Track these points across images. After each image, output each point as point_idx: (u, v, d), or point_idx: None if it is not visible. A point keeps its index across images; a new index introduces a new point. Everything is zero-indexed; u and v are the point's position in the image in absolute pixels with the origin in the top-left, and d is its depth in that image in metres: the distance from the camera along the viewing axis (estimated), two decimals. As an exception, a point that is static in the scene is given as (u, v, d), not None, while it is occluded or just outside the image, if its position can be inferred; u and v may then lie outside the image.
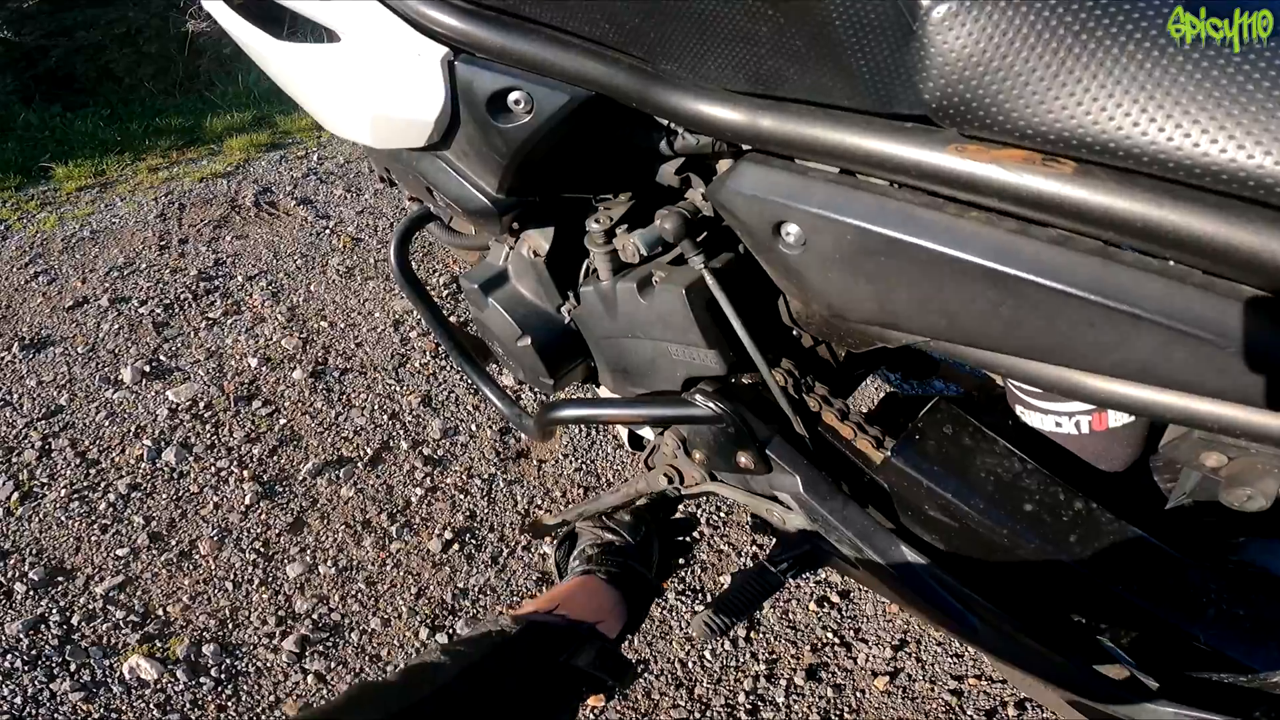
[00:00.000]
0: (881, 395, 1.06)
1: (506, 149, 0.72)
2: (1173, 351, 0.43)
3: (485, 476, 1.66)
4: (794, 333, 0.79)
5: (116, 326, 2.10)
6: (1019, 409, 0.71)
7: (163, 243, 2.49)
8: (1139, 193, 0.42)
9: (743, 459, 0.78)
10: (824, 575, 1.48)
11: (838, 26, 0.50)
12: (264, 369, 1.93)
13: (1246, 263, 0.40)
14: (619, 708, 1.30)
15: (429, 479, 1.66)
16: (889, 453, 0.69)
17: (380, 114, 0.83)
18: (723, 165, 0.73)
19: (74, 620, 1.40)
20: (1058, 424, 0.68)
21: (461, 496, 1.63)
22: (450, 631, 1.39)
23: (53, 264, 2.39)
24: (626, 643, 1.15)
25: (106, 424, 1.79)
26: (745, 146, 0.64)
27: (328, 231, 2.52)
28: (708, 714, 1.29)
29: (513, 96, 0.70)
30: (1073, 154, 0.43)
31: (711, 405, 0.73)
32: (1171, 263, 0.43)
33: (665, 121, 0.70)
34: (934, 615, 0.80)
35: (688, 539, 0.98)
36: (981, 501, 0.66)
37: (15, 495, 1.61)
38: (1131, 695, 0.73)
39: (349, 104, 0.86)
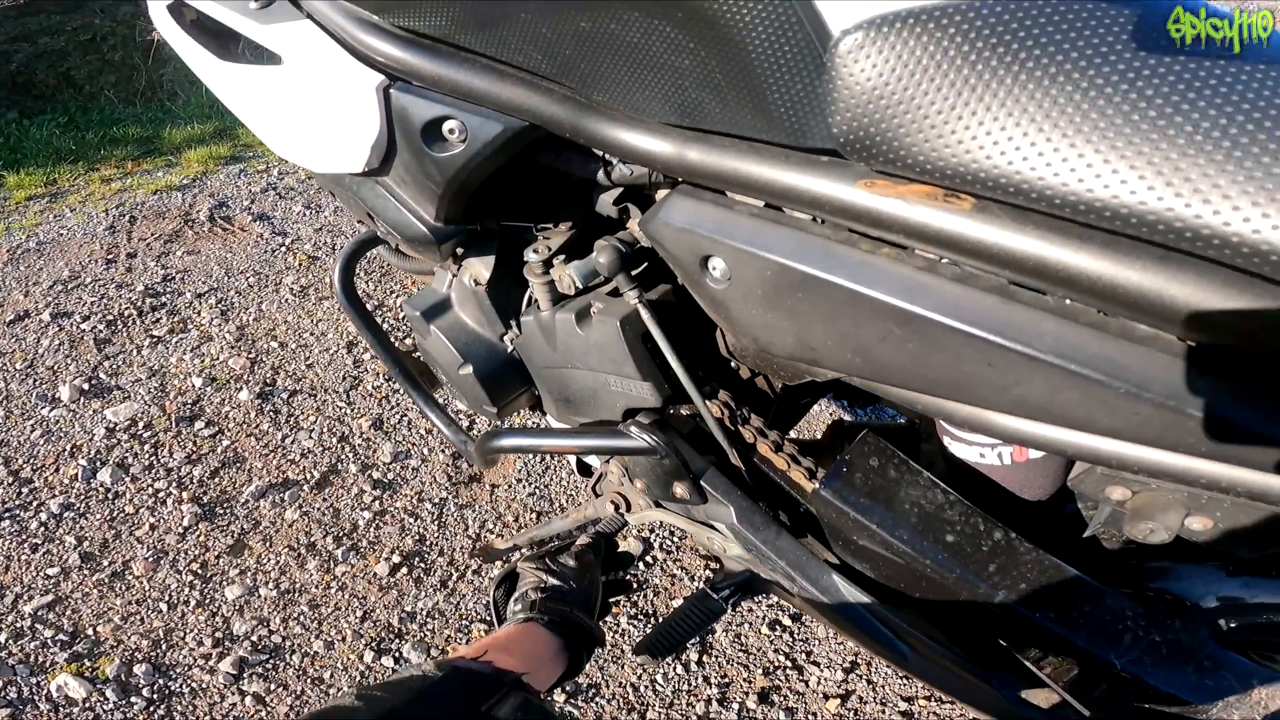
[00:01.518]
0: (831, 419, 1.08)
1: (442, 177, 0.74)
2: (1068, 391, 0.46)
3: (436, 501, 1.65)
4: (732, 364, 0.81)
5: (57, 343, 2.05)
6: (946, 440, 0.73)
7: (110, 256, 2.44)
8: (1032, 230, 0.44)
9: (679, 490, 0.79)
10: (775, 600, 1.50)
11: (754, 59, 0.52)
12: (209, 389, 1.90)
13: (1135, 301, 0.42)
14: (570, 735, 1.29)
15: (378, 502, 1.64)
16: (817, 485, 0.70)
17: (319, 139, 0.84)
18: (660, 195, 0.75)
19: (1, 639, 1.36)
20: (981, 455, 0.70)
21: (411, 520, 1.61)
22: (397, 654, 1.38)
23: (-6, 276, 2.34)
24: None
25: (41, 443, 1.75)
26: (678, 179, 0.66)
27: (283, 249, 2.50)
28: (658, 741, 1.30)
29: (447, 125, 0.72)
30: (971, 190, 0.45)
31: (646, 437, 0.74)
32: (1067, 301, 0.46)
33: (601, 152, 0.72)
34: (866, 642, 0.82)
35: (629, 577, 0.99)
36: (905, 532, 0.68)
37: None
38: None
39: (290, 127, 0.87)
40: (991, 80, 0.43)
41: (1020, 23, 0.43)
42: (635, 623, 1.44)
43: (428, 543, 1.57)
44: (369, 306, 1.94)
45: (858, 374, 0.58)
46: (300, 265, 2.42)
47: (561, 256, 0.76)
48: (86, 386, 1.89)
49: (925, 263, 0.50)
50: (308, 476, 1.68)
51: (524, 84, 0.69)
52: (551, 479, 1.69)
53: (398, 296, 2.28)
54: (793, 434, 1.40)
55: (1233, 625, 0.71)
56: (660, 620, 1.03)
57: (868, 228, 0.51)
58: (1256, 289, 0.38)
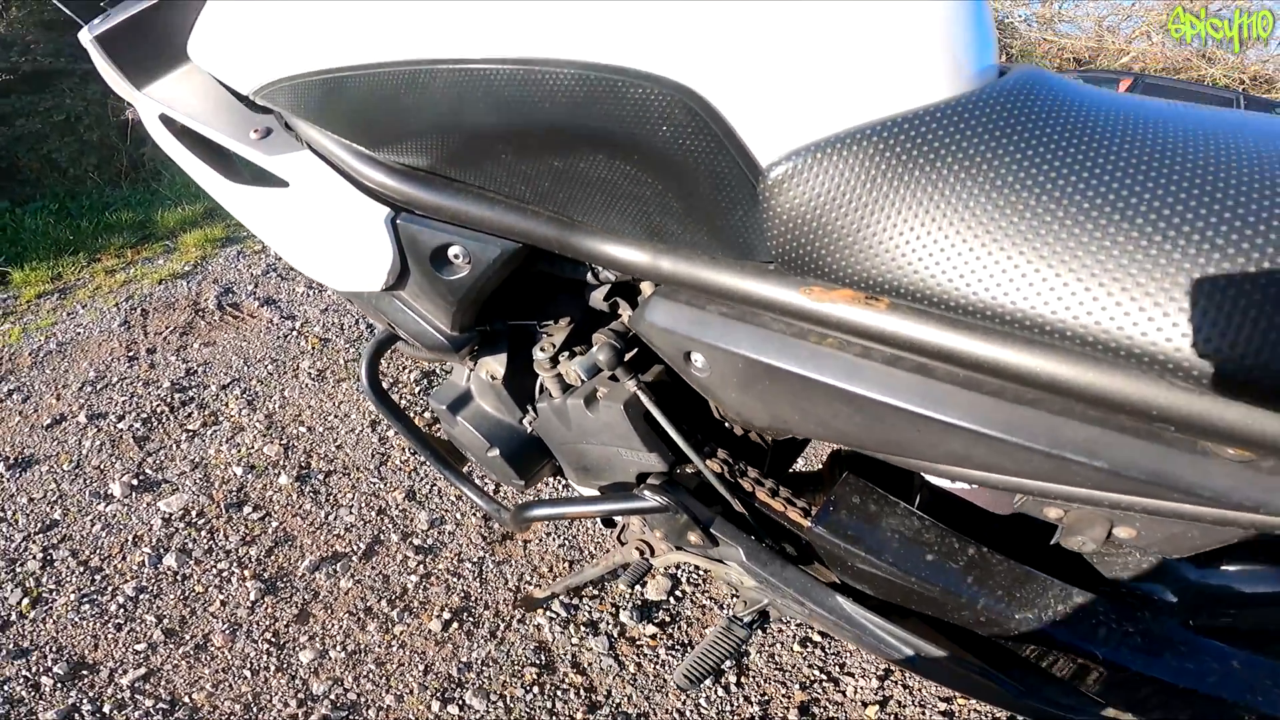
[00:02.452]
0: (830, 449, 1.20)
1: (453, 296, 0.86)
2: (979, 446, 0.58)
3: (475, 560, 1.78)
4: (725, 424, 0.93)
5: (98, 443, 2.21)
6: (922, 471, 0.85)
7: (131, 354, 2.60)
8: (935, 324, 0.56)
9: (693, 537, 0.91)
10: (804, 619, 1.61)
11: (701, 192, 0.64)
12: (250, 476, 2.05)
13: (1017, 375, 0.54)
14: (624, 767, 1.41)
15: (422, 566, 1.78)
16: (810, 523, 0.82)
17: (335, 262, 0.93)
18: (645, 287, 0.87)
19: (106, 709, 1.50)
20: (952, 480, 0.82)
21: (455, 579, 1.75)
22: (460, 702, 1.50)
23: (24, 380, 2.49)
24: (626, 696, 1.26)
25: (103, 535, 1.90)
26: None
27: (295, 333, 2.65)
28: (709, 762, 1.41)
29: (452, 250, 0.84)
30: (884, 294, 0.57)
31: (658, 498, 0.86)
32: (967, 374, 0.58)
33: (587, 260, 0.84)
34: (878, 651, 0.93)
35: None
36: (890, 556, 0.79)
37: (25, 601, 1.72)
38: (1075, 707, 0.84)
39: (304, 249, 0.96)
40: (895, 200, 0.55)
41: (917, 146, 0.55)
42: (673, 653, 1.56)
43: (473, 598, 1.70)
44: (385, 384, 2.08)
45: (824, 439, 0.70)
46: (313, 349, 2.57)
47: (566, 353, 0.89)
48: (135, 482, 2.04)
49: (861, 350, 0.62)
50: (355, 548, 1.82)
51: (513, 210, 0.80)
52: (578, 530, 1.82)
53: (410, 371, 2.42)
54: (800, 461, 1.52)
55: (1196, 613, 0.81)
56: (692, 650, 1.15)
57: (811, 325, 0.64)
58: (1101, 366, 0.50)
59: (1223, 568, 0.82)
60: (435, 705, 1.51)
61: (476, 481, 1.26)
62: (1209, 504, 0.53)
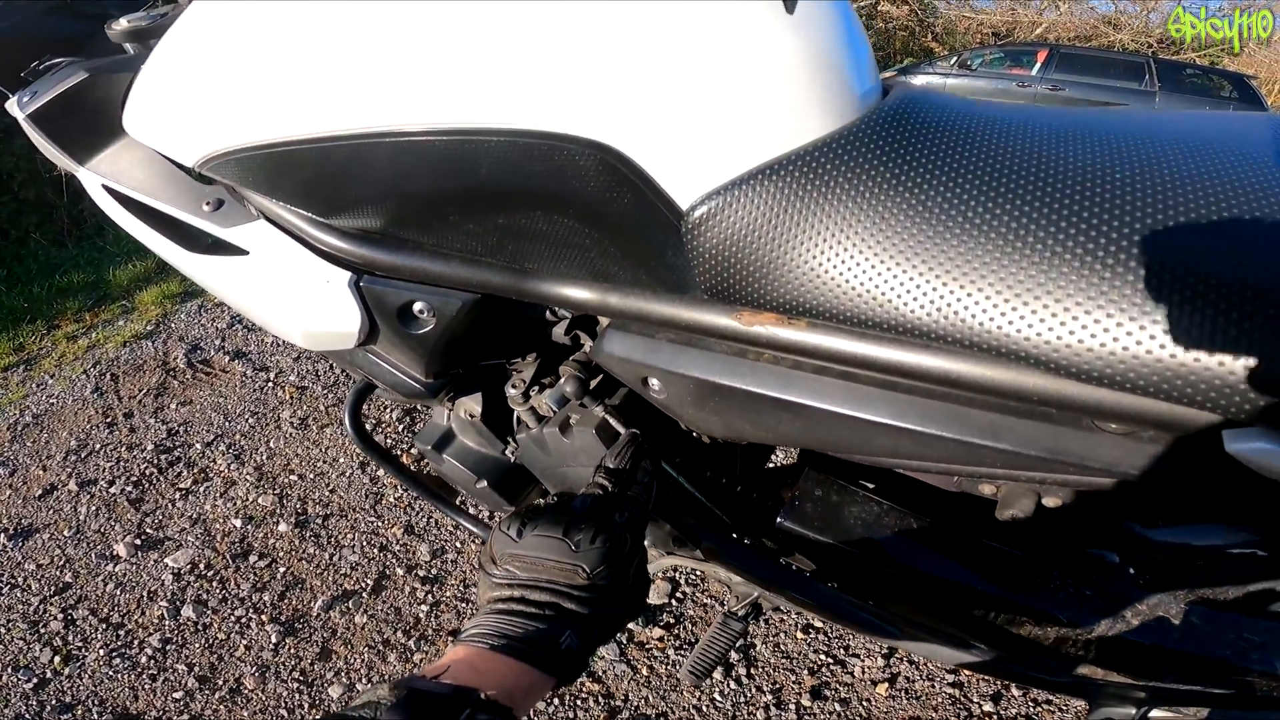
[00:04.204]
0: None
1: (423, 349, 0.94)
2: (904, 439, 0.67)
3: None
4: (694, 434, 1.03)
5: (94, 508, 2.29)
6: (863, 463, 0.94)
7: (109, 419, 2.67)
8: (847, 337, 0.66)
9: (678, 543, 1.01)
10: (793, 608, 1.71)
11: (634, 237, 0.73)
12: (250, 527, 2.14)
13: (922, 375, 0.64)
14: (646, 768, 1.51)
15: (430, 595, 1.88)
16: (779, 518, 0.92)
17: (306, 328, 0.97)
18: (601, 319, 0.96)
19: None
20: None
21: (464, 605, 1.84)
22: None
23: (7, 454, 2.56)
24: (643, 698, 1.35)
25: (118, 593, 1.99)
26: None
27: (271, 384, 2.73)
28: (728, 754, 1.51)
29: (416, 306, 0.90)
30: (802, 315, 0.67)
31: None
32: (884, 378, 0.67)
33: (543, 302, 0.93)
34: (862, 630, 1.03)
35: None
36: (856, 541, 0.89)
37: (57, 659, 1.82)
38: (1058, 672, 0.92)
39: (272, 315, 0.99)
40: (797, 230, 0.64)
41: (810, 180, 0.64)
42: (682, 653, 1.66)
43: (483, 623, 1.80)
44: (369, 426, 2.17)
45: (775, 444, 0.79)
46: (291, 398, 2.65)
47: (536, 388, 0.98)
48: (139, 542, 2.13)
49: (792, 363, 0.71)
50: (363, 585, 1.92)
51: (468, 263, 0.86)
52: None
53: (392, 410, 2.50)
54: (778, 455, 1.62)
55: (1144, 570, 0.90)
56: (695, 647, 1.24)
57: (747, 345, 0.73)
58: (986, 361, 0.60)
59: (1168, 525, 0.89)
60: (459, 730, 1.60)
61: (470, 511, 1.35)
62: (1101, 474, 0.63)
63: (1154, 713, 0.92)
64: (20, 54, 1.09)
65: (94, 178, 1.02)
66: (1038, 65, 8.66)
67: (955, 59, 9.89)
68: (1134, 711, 0.92)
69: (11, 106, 1.05)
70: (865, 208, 0.62)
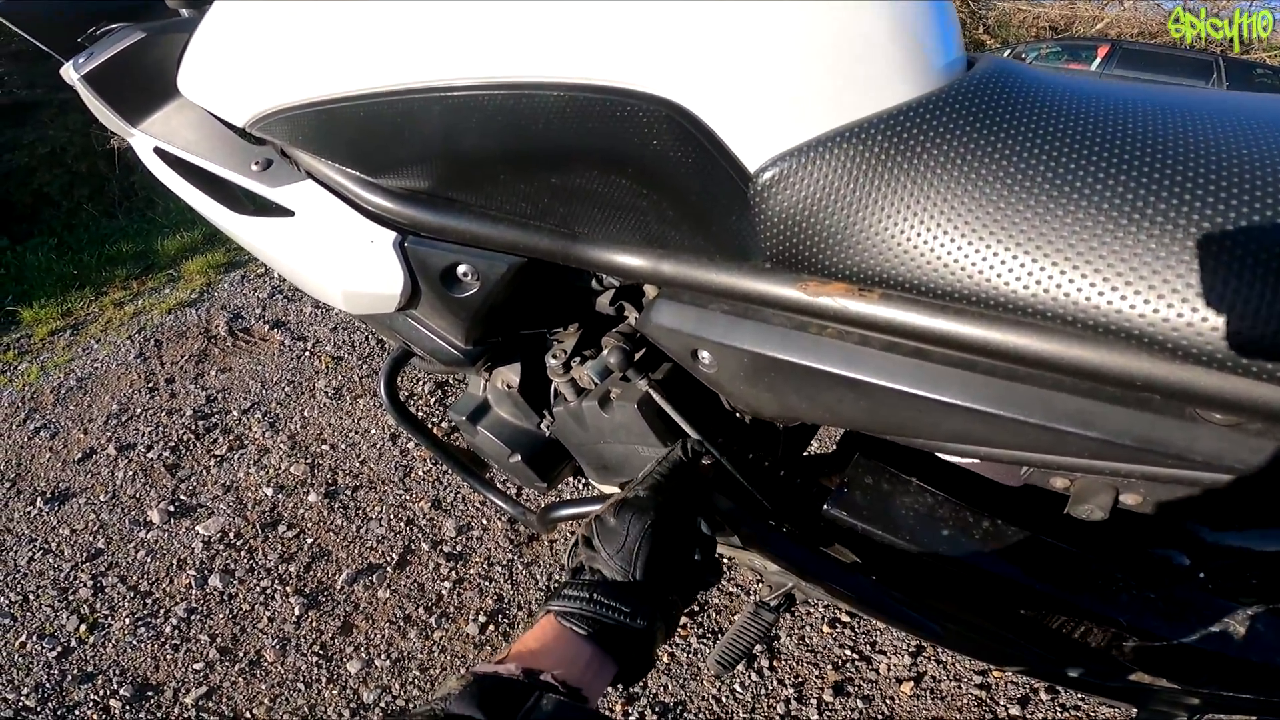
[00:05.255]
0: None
1: (465, 311, 0.90)
2: (976, 423, 0.61)
3: (504, 563, 1.83)
4: (737, 414, 0.97)
5: (130, 473, 2.28)
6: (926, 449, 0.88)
7: (150, 384, 2.66)
8: (925, 311, 0.59)
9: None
10: (829, 601, 1.65)
11: (695, 199, 0.68)
12: (280, 496, 2.11)
13: (1006, 354, 0.57)
14: (665, 755, 1.45)
15: (454, 572, 1.83)
16: (826, 506, 0.85)
17: (348, 288, 0.94)
18: (649, 289, 0.90)
19: None
20: (957, 456, 0.85)
21: (486, 583, 1.80)
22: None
23: (50, 418, 2.56)
24: (662, 685, 1.30)
25: (148, 560, 1.97)
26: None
27: (308, 354, 2.71)
28: (748, 746, 1.45)
29: (460, 269, 0.87)
30: (876, 285, 0.60)
31: (677, 491, 0.90)
32: (961, 356, 0.61)
33: (591, 269, 0.88)
34: (902, 626, 0.96)
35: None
36: (906, 534, 0.82)
37: (83, 627, 1.80)
38: (1109, 676, 0.86)
39: (315, 276, 0.96)
40: (878, 196, 0.58)
41: (895, 145, 0.58)
42: (705, 641, 1.60)
43: (506, 600, 1.75)
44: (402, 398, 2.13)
45: (831, 424, 0.73)
46: (327, 368, 2.62)
47: (577, 359, 0.93)
48: (172, 508, 2.11)
49: (859, 338, 0.65)
50: (388, 559, 1.88)
51: (516, 226, 0.82)
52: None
53: (424, 383, 2.47)
54: (814, 444, 1.55)
55: (1215, 576, 0.83)
56: (723, 636, 1.18)
57: (811, 318, 0.67)
58: (1084, 341, 0.53)
59: (1237, 529, 0.83)
60: (478, 707, 1.56)
61: (499, 486, 1.30)
62: (1200, 468, 0.56)
63: (1206, 718, 0.85)
64: (78, 22, 1.08)
65: (146, 140, 1.00)
66: (1098, 60, 8.30)
67: (1009, 52, 9.57)
68: (1185, 718, 0.85)
69: (67, 71, 1.04)
70: (954, 173, 0.56)
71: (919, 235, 0.57)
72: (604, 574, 0.68)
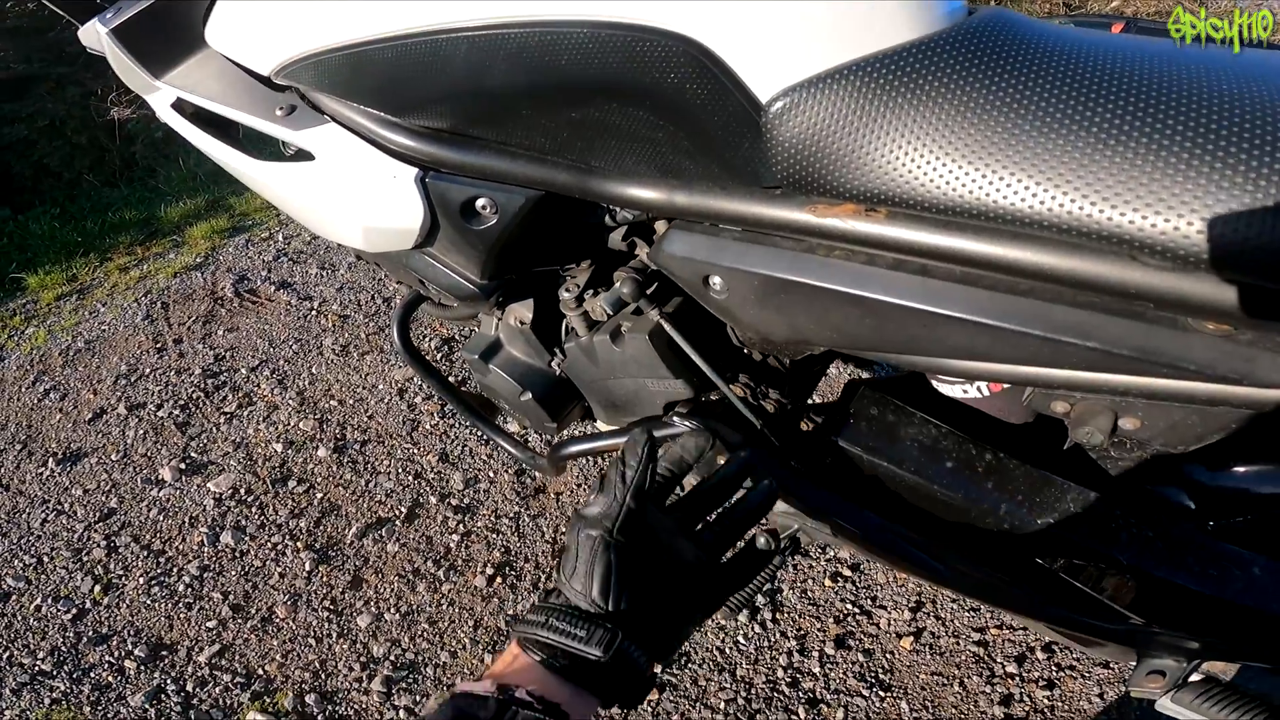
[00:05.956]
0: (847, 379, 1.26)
1: (482, 245, 0.92)
2: (982, 336, 0.63)
3: (511, 515, 1.87)
4: (745, 351, 0.99)
5: (141, 432, 2.31)
6: (934, 382, 0.90)
7: (158, 345, 2.69)
8: (929, 228, 0.62)
9: (721, 462, 0.98)
10: (832, 554, 1.68)
11: (709, 129, 0.70)
12: (290, 452, 2.15)
13: (1008, 268, 0.60)
14: (671, 698, 1.49)
15: (462, 525, 1.87)
16: (834, 437, 0.88)
17: (368, 225, 0.99)
18: (659, 226, 0.93)
19: (189, 687, 1.62)
20: (964, 391, 0.87)
21: (494, 536, 1.83)
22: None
23: (59, 379, 2.59)
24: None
25: (161, 519, 2.01)
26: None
27: (314, 312, 2.74)
28: (752, 691, 1.49)
29: (479, 203, 0.90)
30: (883, 205, 0.63)
31: (687, 424, 0.93)
32: (964, 271, 0.64)
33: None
34: (905, 566, 0.99)
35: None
36: (912, 464, 0.85)
37: (97, 588, 1.84)
38: (1109, 620, 0.89)
39: (335, 217, 1.01)
40: (884, 123, 0.61)
41: (900, 77, 0.61)
42: (711, 593, 1.64)
43: (513, 553, 1.79)
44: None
45: (840, 346, 0.76)
46: (334, 326, 2.65)
47: (590, 292, 0.95)
48: (183, 466, 2.15)
49: (866, 258, 0.68)
50: (397, 513, 1.92)
51: (534, 160, 0.85)
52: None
53: (430, 339, 2.50)
54: (816, 398, 1.58)
55: (1212, 516, 0.85)
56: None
57: (820, 240, 0.69)
58: (1080, 252, 0.56)
59: (1235, 469, 0.84)
60: (488, 658, 1.60)
61: (512, 434, 1.33)
62: (1195, 377, 0.59)
63: (1204, 665, 0.87)
64: None
65: (165, 95, 1.04)
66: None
67: None
68: (1185, 663, 0.88)
69: (88, 31, 1.08)
70: (956, 102, 0.59)
71: (923, 157, 0.59)
72: (567, 597, 0.63)
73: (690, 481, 0.89)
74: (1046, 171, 0.55)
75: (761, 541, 0.80)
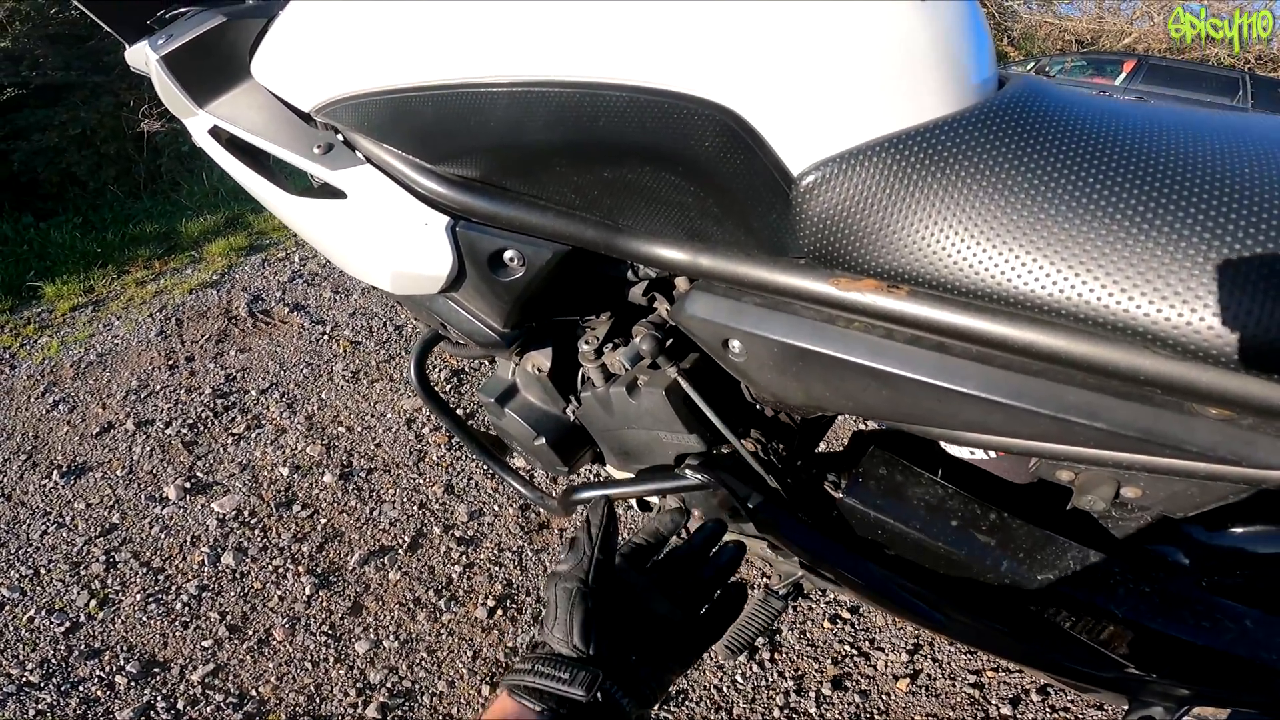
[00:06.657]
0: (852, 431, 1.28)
1: (507, 295, 0.95)
2: (995, 413, 0.66)
3: (514, 549, 1.88)
4: (757, 406, 1.02)
5: (148, 449, 2.32)
6: (943, 444, 0.93)
7: (170, 362, 2.71)
8: (949, 308, 0.65)
9: (729, 514, 1.00)
10: (831, 596, 1.69)
11: (739, 197, 0.73)
12: (296, 476, 2.16)
13: (1022, 349, 0.62)
14: (667, 740, 1.50)
15: (465, 556, 1.88)
16: (840, 494, 0.90)
17: (396, 269, 0.99)
18: (680, 282, 0.96)
19: (179, 705, 1.62)
20: (971, 452, 0.90)
21: (496, 568, 1.84)
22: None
23: (68, 391, 2.60)
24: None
25: (162, 536, 2.01)
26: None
27: (326, 337, 2.76)
28: (747, 734, 1.50)
29: (507, 254, 0.91)
30: (905, 283, 0.66)
31: (698, 476, 0.95)
32: (980, 350, 0.66)
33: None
34: (907, 616, 1.00)
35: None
36: (917, 523, 0.87)
37: (93, 602, 1.84)
38: (1103, 668, 0.90)
39: (363, 256, 1.02)
40: (912, 202, 0.63)
41: (930, 157, 0.63)
42: (711, 632, 1.65)
43: (515, 586, 1.80)
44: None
45: (854, 414, 0.78)
46: (345, 352, 2.68)
47: (609, 345, 0.98)
48: (188, 485, 2.16)
49: (884, 332, 0.70)
50: (400, 541, 1.93)
51: (563, 215, 0.88)
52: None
53: (440, 370, 2.52)
54: (822, 446, 1.60)
55: (1209, 574, 0.87)
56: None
57: (840, 312, 0.72)
58: (1094, 339, 0.58)
59: (1232, 529, 0.87)
60: (485, 690, 1.60)
61: (521, 474, 1.35)
62: (1197, 459, 0.61)
63: (1195, 710, 0.89)
64: (144, 7, 1.13)
65: (204, 122, 1.05)
66: (1123, 75, 8.11)
67: (1033, 64, 9.49)
68: (1176, 708, 0.89)
69: (136, 52, 1.09)
70: (982, 185, 0.61)
71: (947, 239, 0.62)
72: (551, 646, 0.68)
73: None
74: (1067, 258, 0.57)
75: (760, 595, 0.85)
